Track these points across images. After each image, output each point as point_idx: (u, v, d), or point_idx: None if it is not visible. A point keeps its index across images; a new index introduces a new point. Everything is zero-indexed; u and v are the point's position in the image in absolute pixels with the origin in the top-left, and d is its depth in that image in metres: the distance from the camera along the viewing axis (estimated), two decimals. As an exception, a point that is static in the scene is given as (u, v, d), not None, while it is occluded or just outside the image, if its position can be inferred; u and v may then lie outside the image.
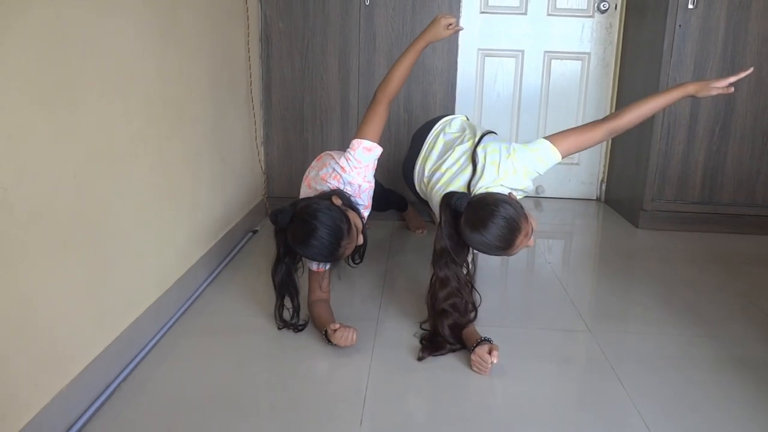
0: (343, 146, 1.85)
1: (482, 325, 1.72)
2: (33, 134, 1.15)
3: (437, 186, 1.81)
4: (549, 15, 3.21)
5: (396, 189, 2.65)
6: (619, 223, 3.02)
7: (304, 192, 1.82)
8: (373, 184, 1.79)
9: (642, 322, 1.92)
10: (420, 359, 1.62)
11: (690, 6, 2.62)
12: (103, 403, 1.39)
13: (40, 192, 1.18)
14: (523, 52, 3.26)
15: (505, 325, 1.85)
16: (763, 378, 1.58)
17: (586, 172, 3.43)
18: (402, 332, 1.78)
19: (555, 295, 2.11)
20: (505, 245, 1.56)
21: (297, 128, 2.93)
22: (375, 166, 1.77)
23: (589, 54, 3.25)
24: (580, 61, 3.27)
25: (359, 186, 1.73)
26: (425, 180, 1.92)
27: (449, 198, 1.65)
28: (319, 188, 1.74)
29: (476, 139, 1.82)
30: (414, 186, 2.05)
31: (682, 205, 2.85)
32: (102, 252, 1.43)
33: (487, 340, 1.60)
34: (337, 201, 1.63)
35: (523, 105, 3.31)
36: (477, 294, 1.70)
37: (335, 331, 1.61)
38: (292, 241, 1.59)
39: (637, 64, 3.02)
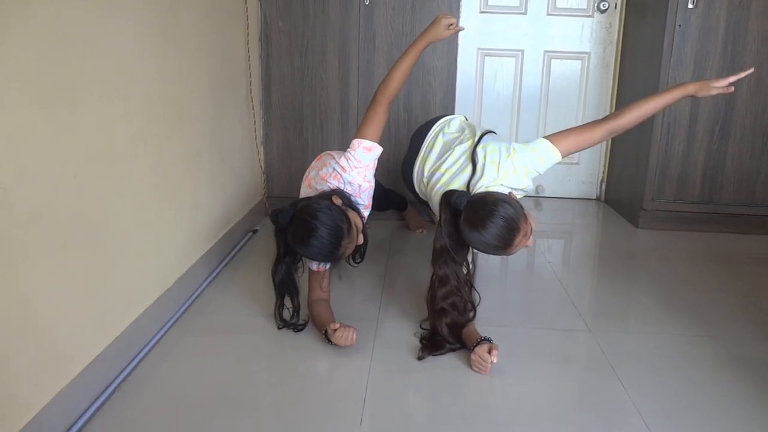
0: (343, 146, 1.85)
1: (482, 325, 1.72)
2: (33, 134, 1.15)
3: (437, 186, 1.81)
4: (549, 14, 3.20)
5: (396, 189, 2.65)
6: (619, 223, 3.02)
7: (304, 192, 1.82)
8: (373, 184, 1.79)
9: (642, 321, 1.92)
10: (420, 359, 1.62)
11: (690, 5, 2.62)
12: (103, 403, 1.39)
13: (40, 192, 1.18)
14: (522, 51, 3.25)
15: (505, 324, 1.85)
16: (763, 378, 1.58)
17: (586, 172, 3.43)
18: (402, 332, 1.78)
19: (555, 294, 2.11)
20: (503, 245, 1.56)
21: (297, 128, 2.93)
22: (375, 166, 1.77)
23: (588, 54, 3.25)
24: (579, 61, 3.27)
25: (359, 186, 1.73)
26: (425, 180, 1.92)
27: (449, 196, 1.65)
28: (320, 188, 1.74)
29: (476, 139, 1.82)
30: (413, 187, 2.05)
31: (682, 204, 2.85)
32: (102, 252, 1.43)
33: (487, 340, 1.60)
34: (338, 201, 1.63)
35: (523, 105, 3.31)
36: (476, 293, 1.70)
37: (335, 330, 1.61)
38: (292, 241, 1.59)
39: (637, 63, 3.02)
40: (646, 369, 1.61)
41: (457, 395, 1.48)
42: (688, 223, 2.85)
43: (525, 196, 1.85)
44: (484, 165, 1.72)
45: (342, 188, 1.71)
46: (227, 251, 2.36)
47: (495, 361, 1.53)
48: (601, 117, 1.84)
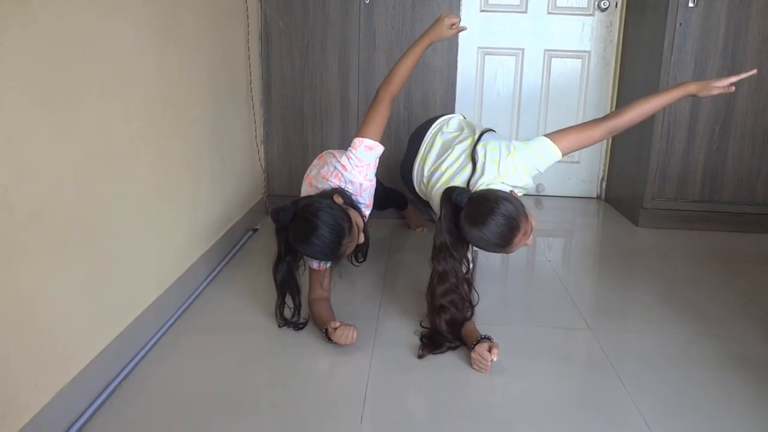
0: (343, 144, 1.85)
1: (482, 323, 1.72)
2: (33, 134, 1.16)
3: (437, 185, 1.81)
4: (549, 13, 3.20)
5: (396, 187, 2.65)
6: (620, 222, 3.02)
7: (305, 190, 1.82)
8: (374, 183, 1.79)
9: (642, 320, 1.92)
10: (420, 357, 1.62)
11: (690, 4, 2.62)
12: (103, 402, 1.39)
13: (40, 192, 1.18)
14: (523, 50, 3.25)
15: (505, 322, 1.85)
16: (763, 376, 1.58)
17: (587, 171, 3.43)
18: (402, 330, 1.78)
19: (555, 292, 2.11)
20: (503, 243, 1.56)
21: (297, 127, 2.93)
22: (377, 165, 1.77)
23: (589, 52, 3.25)
24: (580, 60, 3.26)
25: (360, 184, 1.74)
26: (425, 180, 1.91)
27: (450, 192, 1.65)
28: (321, 187, 1.74)
29: (476, 137, 1.82)
30: (413, 187, 2.05)
31: (682, 203, 2.85)
32: (102, 252, 1.43)
33: (487, 338, 1.60)
34: (339, 199, 1.63)
35: (523, 103, 3.31)
36: (475, 293, 1.70)
37: (336, 329, 1.61)
38: (293, 240, 1.59)
39: (637, 62, 3.01)
40: (646, 367, 1.62)
41: (458, 393, 1.49)
42: (689, 222, 2.85)
43: (525, 195, 1.85)
44: (484, 163, 1.72)
45: (343, 187, 1.71)
46: (227, 250, 2.36)
47: (495, 359, 1.53)
48: (601, 116, 1.84)
